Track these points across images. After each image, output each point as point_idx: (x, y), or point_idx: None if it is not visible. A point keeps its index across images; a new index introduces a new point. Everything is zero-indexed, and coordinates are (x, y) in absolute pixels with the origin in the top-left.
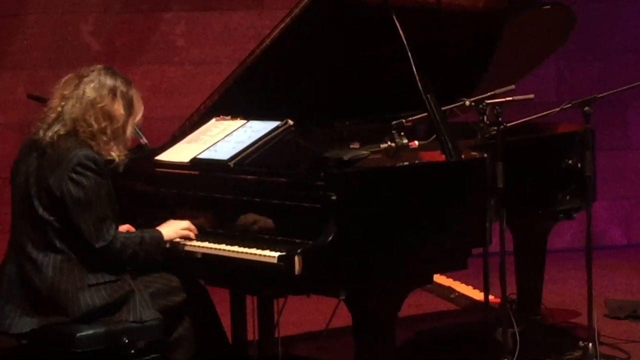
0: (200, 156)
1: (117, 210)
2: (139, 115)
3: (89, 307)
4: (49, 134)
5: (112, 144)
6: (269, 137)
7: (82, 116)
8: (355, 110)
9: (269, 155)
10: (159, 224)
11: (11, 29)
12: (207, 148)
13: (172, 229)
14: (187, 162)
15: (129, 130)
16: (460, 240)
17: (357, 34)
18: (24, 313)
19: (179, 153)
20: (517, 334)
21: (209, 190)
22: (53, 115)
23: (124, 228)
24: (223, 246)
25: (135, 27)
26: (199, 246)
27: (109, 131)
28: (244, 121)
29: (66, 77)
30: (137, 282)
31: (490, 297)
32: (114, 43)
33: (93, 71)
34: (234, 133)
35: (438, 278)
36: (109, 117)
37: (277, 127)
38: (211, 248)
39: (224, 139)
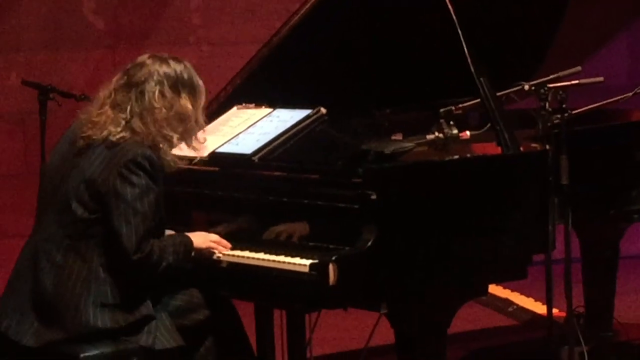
0: (220, 150)
1: (163, 223)
2: (203, 97)
3: (97, 327)
4: (117, 136)
5: (189, 141)
6: (298, 127)
7: (159, 132)
8: (397, 96)
9: (299, 148)
10: (173, 227)
11: (3, 5)
12: (228, 141)
13: (202, 238)
14: (204, 157)
15: (201, 119)
16: (519, 246)
17: (401, 8)
18: (25, 314)
19: None
20: (586, 353)
21: (230, 189)
22: (113, 129)
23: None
24: (247, 253)
25: (144, 3)
26: (220, 253)
27: (185, 134)
28: (270, 110)
29: (116, 81)
30: (155, 303)
31: (554, 311)
32: (119, 21)
33: (145, 69)
34: (258, 123)
35: (494, 289)
36: (182, 119)
37: (307, 117)
38: (233, 256)
39: (247, 130)
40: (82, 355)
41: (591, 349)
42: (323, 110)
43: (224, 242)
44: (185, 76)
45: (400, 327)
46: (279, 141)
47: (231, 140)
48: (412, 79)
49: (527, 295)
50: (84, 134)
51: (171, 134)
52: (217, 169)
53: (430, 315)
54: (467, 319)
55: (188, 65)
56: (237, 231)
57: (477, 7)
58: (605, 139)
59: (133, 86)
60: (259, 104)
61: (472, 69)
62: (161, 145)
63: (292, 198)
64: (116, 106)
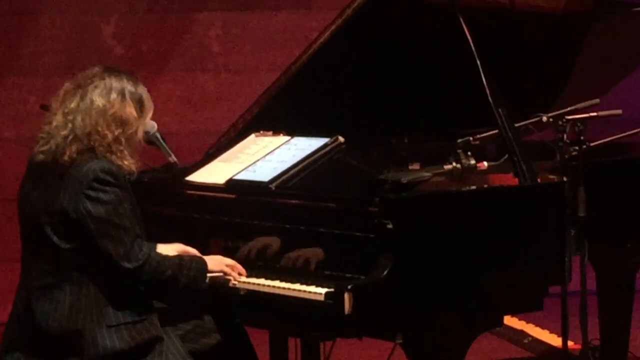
0: (237, 177)
1: (143, 226)
2: (149, 115)
3: (106, 350)
4: (66, 155)
5: (126, 152)
6: (316, 156)
7: (94, 128)
8: (415, 126)
9: (316, 177)
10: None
11: (23, 29)
12: (245, 168)
13: (217, 261)
14: (222, 184)
15: (141, 133)
16: (535, 277)
17: (419, 39)
18: (34, 354)
19: (213, 173)
20: None
21: (247, 216)
22: (63, 133)
23: (180, 250)
24: (262, 281)
25: (164, 29)
26: (238, 281)
27: (123, 139)
28: (288, 138)
29: (65, 88)
30: (166, 326)
31: (570, 343)
32: (139, 47)
33: (94, 76)
34: (275, 151)
35: (509, 320)
36: (122, 122)
37: (325, 145)
38: (248, 283)
39: (265, 157)
40: None
41: None
42: (341, 138)
43: (239, 267)
44: (134, 89)
45: (416, 357)
46: (296, 169)
47: (248, 168)
48: (431, 109)
49: (543, 327)
50: (41, 149)
51: (106, 132)
52: (234, 196)
53: (446, 346)
54: (482, 350)
55: (141, 84)
56: (253, 258)
57: (496, 38)
58: (623, 172)
59: (80, 88)
60: (276, 131)
61: (491, 100)
62: (96, 140)
63: (309, 226)
64: (64, 110)
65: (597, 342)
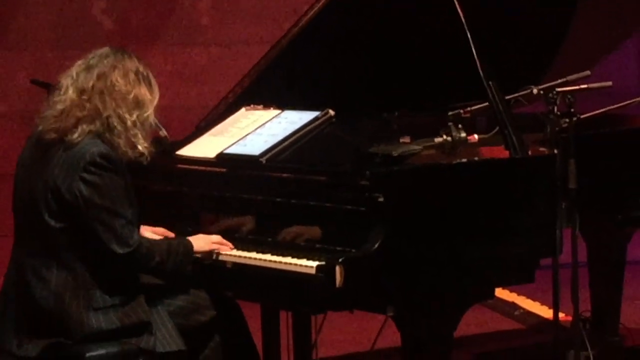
0: (228, 151)
1: (138, 212)
2: (158, 95)
3: (92, 329)
4: (77, 134)
5: (140, 135)
6: (306, 129)
7: (114, 111)
8: (406, 99)
9: (307, 150)
10: (181, 228)
11: (12, 4)
12: (236, 142)
13: (203, 241)
14: (212, 158)
15: (153, 116)
16: (526, 250)
17: (410, 11)
18: (23, 337)
19: (204, 147)
20: (592, 358)
21: (238, 190)
22: (79, 114)
23: (159, 231)
24: (253, 254)
25: (154, 3)
26: (226, 254)
27: (138, 122)
28: (278, 111)
29: (78, 68)
30: (157, 303)
31: (561, 315)
32: (129, 21)
33: (107, 56)
34: (266, 125)
35: (500, 292)
36: (138, 105)
37: (316, 118)
38: (239, 256)
39: (255, 131)
40: (87, 354)
41: (597, 354)
42: (331, 112)
43: (226, 242)
44: (145, 73)
45: (407, 330)
46: (287, 143)
47: (239, 142)
48: (421, 82)
49: (534, 299)
50: (52, 126)
51: (126, 115)
52: (224, 169)
53: (437, 319)
54: (473, 322)
55: (146, 66)
56: (244, 232)
57: (487, 10)
58: (613, 144)
59: (95, 67)
60: (267, 105)
61: (481, 73)
62: (116, 125)
63: (300, 200)
64: (78, 88)
65: (588, 314)
